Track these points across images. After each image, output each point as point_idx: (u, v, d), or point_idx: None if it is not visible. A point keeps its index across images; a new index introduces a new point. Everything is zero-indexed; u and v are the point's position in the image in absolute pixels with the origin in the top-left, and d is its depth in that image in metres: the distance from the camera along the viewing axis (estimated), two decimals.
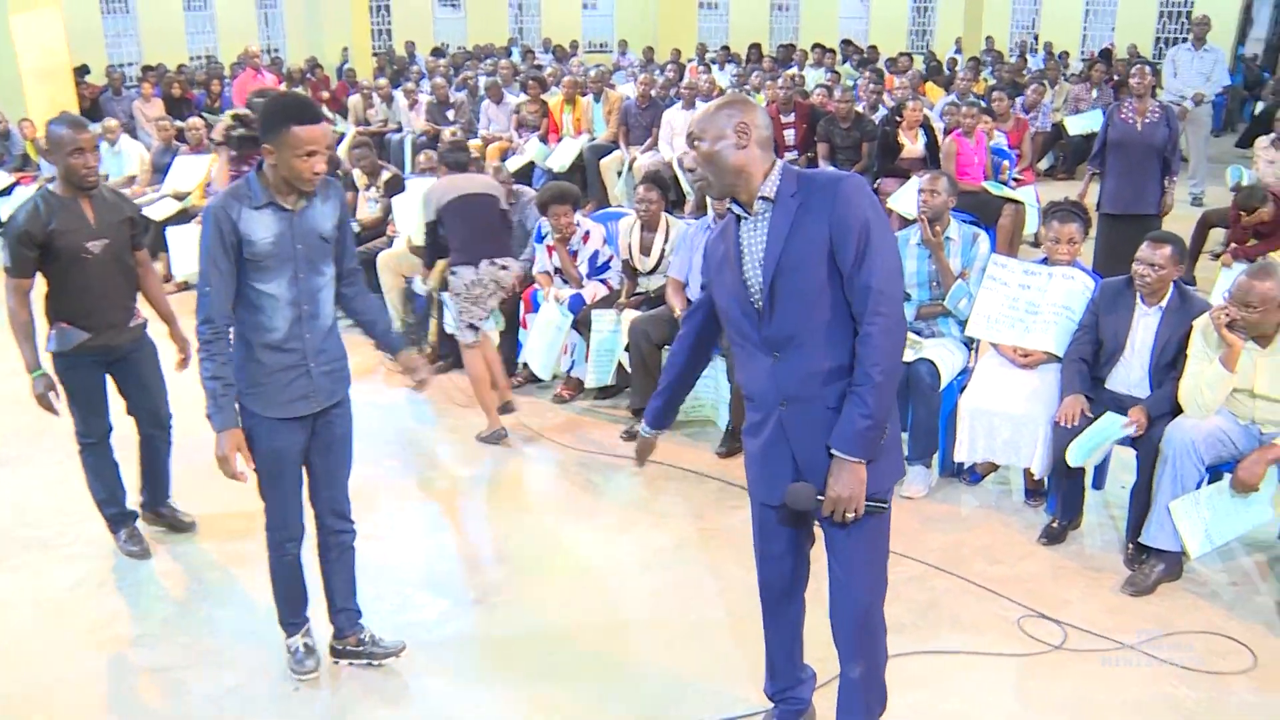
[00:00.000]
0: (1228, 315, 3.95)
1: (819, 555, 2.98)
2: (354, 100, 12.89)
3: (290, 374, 3.28)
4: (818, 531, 2.94)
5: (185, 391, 4.30)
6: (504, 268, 5.37)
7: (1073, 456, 4.22)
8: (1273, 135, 7.93)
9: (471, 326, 5.41)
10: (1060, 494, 4.51)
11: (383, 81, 13.07)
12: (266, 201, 3.18)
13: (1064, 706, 3.49)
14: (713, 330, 3.06)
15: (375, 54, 18.07)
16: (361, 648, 3.68)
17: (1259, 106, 14.18)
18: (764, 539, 3.02)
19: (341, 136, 11.74)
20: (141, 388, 4.39)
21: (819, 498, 2.74)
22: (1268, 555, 4.44)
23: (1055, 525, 4.50)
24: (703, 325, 3.07)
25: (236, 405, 3.24)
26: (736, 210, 2.74)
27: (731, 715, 3.41)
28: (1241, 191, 6.91)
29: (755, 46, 17.18)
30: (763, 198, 2.68)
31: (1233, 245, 7.03)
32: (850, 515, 2.70)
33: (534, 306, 6.11)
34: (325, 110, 13.74)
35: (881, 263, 2.60)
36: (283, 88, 12.52)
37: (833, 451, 2.68)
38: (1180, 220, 7.87)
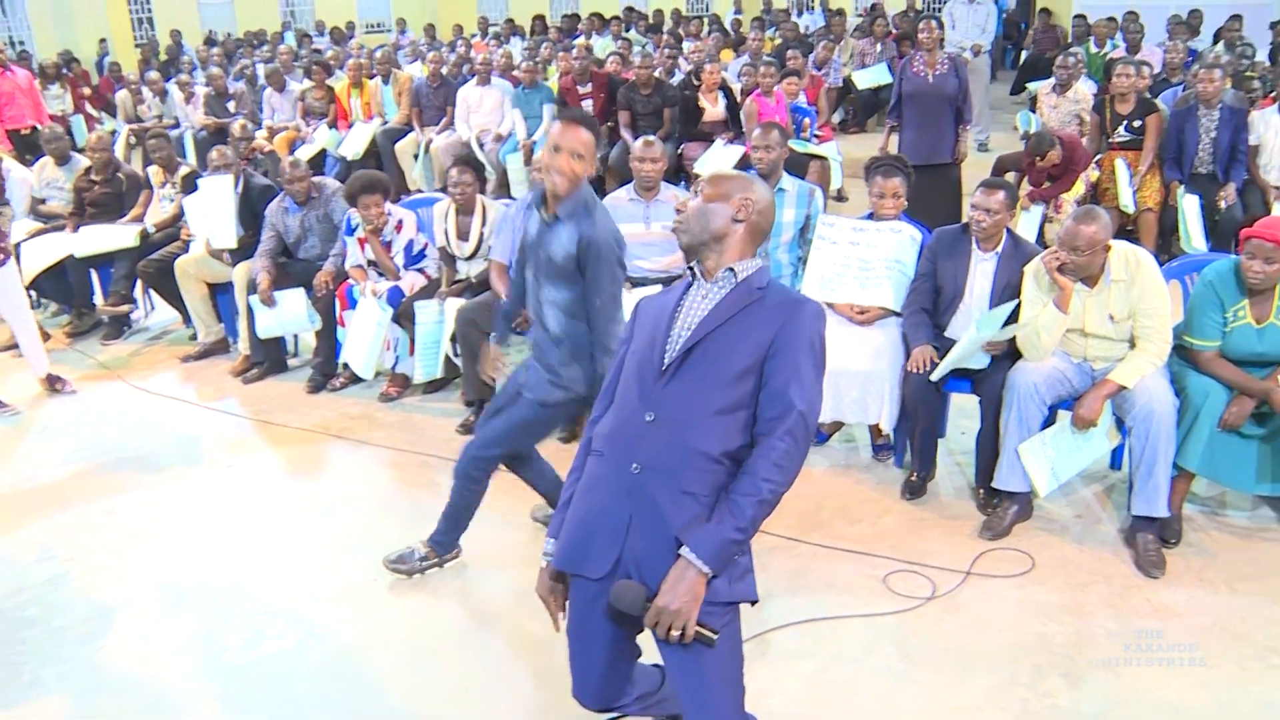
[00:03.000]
0: (1057, 259, 4.03)
1: None
2: (122, 96, 12.03)
3: None
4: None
5: None
6: None
7: (936, 374, 4.28)
8: (1051, 81, 8.24)
9: None
10: (915, 446, 4.54)
11: (154, 75, 12.24)
12: None
13: (944, 655, 3.51)
14: None
15: (138, 45, 16.94)
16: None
17: (1022, 55, 14.86)
18: (577, 617, 2.60)
19: (114, 135, 10.98)
20: None
21: (647, 603, 2.36)
22: (1104, 485, 4.61)
23: (915, 479, 4.54)
24: None
25: None
26: (695, 270, 2.58)
27: None
28: (1031, 138, 7.16)
29: (539, 18, 16.94)
30: (730, 269, 2.52)
31: (1029, 189, 7.27)
32: (675, 634, 2.33)
33: (350, 303, 5.78)
34: (88, 108, 12.87)
35: (815, 392, 2.41)
36: (36, 85, 11.57)
37: (682, 551, 2.34)
38: (973, 166, 8.14)
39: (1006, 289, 4.35)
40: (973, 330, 4.22)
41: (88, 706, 3.47)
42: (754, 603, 2.50)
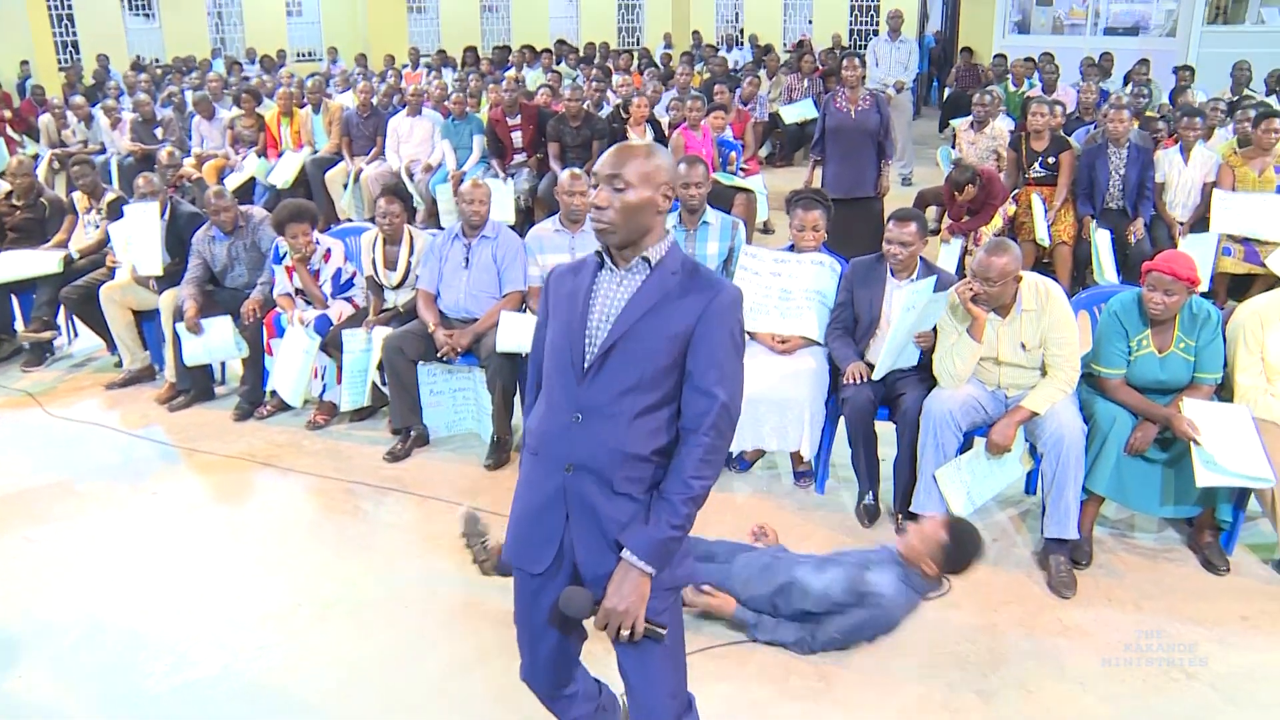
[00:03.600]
0: (971, 290, 4.17)
1: None
2: (45, 120, 11.83)
3: None
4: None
5: None
6: None
7: (878, 371, 4.44)
8: (969, 119, 8.49)
9: None
10: (862, 468, 4.64)
11: (79, 99, 12.05)
12: None
13: (862, 676, 3.60)
14: None
15: (63, 68, 16.67)
16: None
17: (946, 91, 15.25)
18: (524, 614, 2.69)
19: (36, 160, 10.81)
20: None
21: (595, 606, 2.45)
22: (1019, 510, 4.75)
23: (869, 503, 4.64)
24: None
25: None
26: (607, 256, 2.50)
27: None
28: (953, 170, 7.38)
29: (471, 49, 16.98)
30: (644, 259, 2.45)
31: (949, 222, 7.48)
32: (625, 633, 2.42)
33: (278, 331, 5.76)
34: (9, 131, 12.63)
35: (737, 381, 2.43)
36: None
37: (623, 554, 2.41)
38: (895, 200, 8.29)
39: None
40: (899, 319, 4.32)
41: None
42: (698, 585, 2.60)
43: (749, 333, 4.95)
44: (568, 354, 2.47)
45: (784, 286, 4.90)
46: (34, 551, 4.55)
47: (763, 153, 12.23)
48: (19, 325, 7.07)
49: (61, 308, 6.81)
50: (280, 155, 10.15)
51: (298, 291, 5.80)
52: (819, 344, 4.80)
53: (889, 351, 4.38)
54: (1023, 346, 4.23)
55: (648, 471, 2.45)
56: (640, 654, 2.52)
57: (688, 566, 2.59)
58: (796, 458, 4.91)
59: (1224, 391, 4.29)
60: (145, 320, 6.47)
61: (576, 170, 5.35)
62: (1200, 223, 7.24)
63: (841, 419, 4.65)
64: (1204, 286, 6.83)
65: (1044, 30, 16.74)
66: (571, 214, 5.25)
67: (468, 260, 5.33)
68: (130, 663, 3.76)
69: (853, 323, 4.68)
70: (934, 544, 3.60)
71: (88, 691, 3.62)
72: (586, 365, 2.45)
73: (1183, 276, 4.04)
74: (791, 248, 5.01)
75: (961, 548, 3.62)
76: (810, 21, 20.24)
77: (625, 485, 2.44)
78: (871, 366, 4.51)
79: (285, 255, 5.75)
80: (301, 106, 10.43)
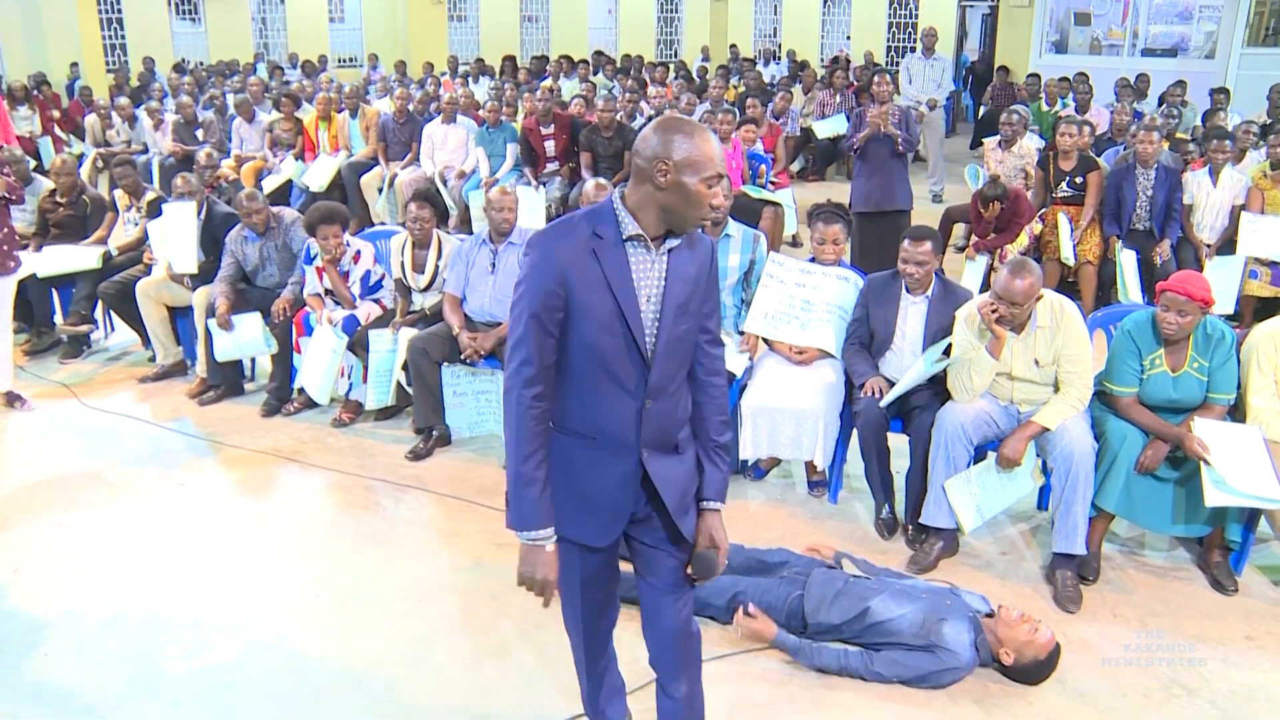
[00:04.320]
0: (995, 312, 4.20)
1: None
2: (91, 120, 12.09)
3: None
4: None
5: None
6: None
7: (885, 400, 4.49)
8: (998, 137, 8.53)
9: None
10: (875, 481, 4.68)
11: (124, 101, 12.30)
12: None
13: (861, 691, 3.63)
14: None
15: (111, 70, 16.98)
16: None
17: (982, 110, 15.23)
18: (591, 584, 2.83)
19: (81, 158, 11.05)
20: None
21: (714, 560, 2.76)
22: (1030, 525, 4.78)
23: (886, 516, 4.68)
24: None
25: None
26: (640, 241, 2.51)
27: None
28: (984, 186, 7.42)
29: (510, 59, 17.16)
30: (670, 234, 2.55)
31: (974, 239, 7.52)
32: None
33: (307, 330, 5.89)
34: (57, 130, 12.91)
35: (720, 321, 2.71)
36: (4, 105, 11.65)
37: (707, 505, 2.73)
38: (924, 217, 8.34)
39: (939, 332, 4.53)
40: (920, 364, 4.40)
41: (22, 714, 3.53)
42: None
43: (767, 341, 5.04)
44: (625, 342, 2.53)
45: (806, 298, 4.96)
46: (65, 537, 4.68)
47: (794, 167, 12.30)
48: (58, 319, 7.24)
49: (99, 303, 6.98)
50: (317, 159, 10.31)
51: (327, 292, 5.92)
52: (834, 357, 4.86)
53: (899, 390, 4.45)
54: (1036, 363, 4.27)
55: (689, 423, 2.73)
56: (678, 573, 2.79)
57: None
58: (811, 467, 4.97)
59: (1237, 412, 4.31)
60: (179, 316, 6.62)
61: (602, 181, 5.44)
62: (1227, 245, 7.25)
63: (855, 431, 4.70)
64: (1230, 309, 6.87)
65: (1081, 50, 16.68)
66: None
67: (494, 266, 5.42)
68: (151, 646, 3.87)
69: (869, 338, 4.74)
70: (1031, 649, 3.61)
71: (108, 673, 3.73)
72: (651, 353, 2.56)
73: (1197, 297, 4.07)
74: (813, 260, 5.07)
75: (1044, 669, 3.64)
76: (848, 38, 20.31)
77: (684, 445, 2.70)
78: (889, 381, 4.57)
79: (316, 256, 5.87)
80: (339, 111, 10.60)
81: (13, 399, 6.18)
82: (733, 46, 19.42)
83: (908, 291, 4.64)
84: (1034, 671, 3.63)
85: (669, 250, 2.54)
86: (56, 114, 13.53)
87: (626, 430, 2.60)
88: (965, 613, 3.71)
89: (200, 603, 4.17)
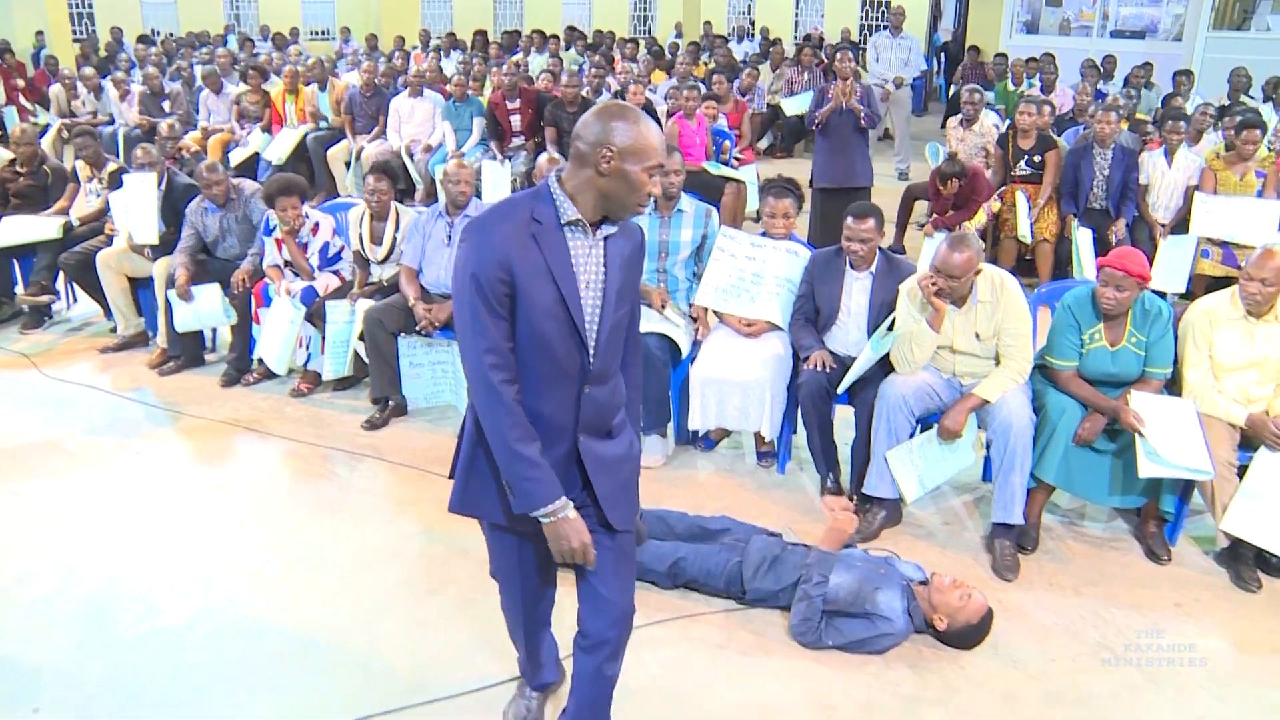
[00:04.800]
0: (934, 284, 4.28)
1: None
2: (56, 90, 12.01)
3: None
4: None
5: None
6: None
7: (842, 386, 4.56)
8: (960, 116, 8.61)
9: None
10: (817, 451, 4.77)
11: (89, 71, 12.23)
12: None
13: (798, 651, 3.73)
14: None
15: (78, 40, 16.84)
16: None
17: (953, 89, 15.30)
18: (532, 571, 2.88)
19: (45, 129, 10.99)
20: None
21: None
22: (974, 496, 4.87)
23: (831, 486, 4.78)
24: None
25: None
26: (580, 226, 2.49)
27: (490, 683, 3.51)
28: (942, 164, 7.50)
29: (481, 33, 17.10)
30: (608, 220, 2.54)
31: (934, 216, 7.60)
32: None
33: (265, 301, 5.93)
34: (22, 100, 12.82)
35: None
36: None
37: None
38: (886, 194, 8.47)
39: (883, 306, 4.60)
40: (867, 350, 4.47)
41: None
42: None
43: (717, 314, 5.10)
44: (567, 329, 2.50)
45: (756, 271, 5.02)
46: (20, 505, 4.72)
47: (763, 144, 12.35)
48: (19, 289, 7.24)
49: (60, 273, 6.97)
50: (281, 132, 10.29)
51: (286, 263, 5.94)
52: (783, 329, 4.93)
53: (852, 376, 4.53)
54: (977, 336, 4.35)
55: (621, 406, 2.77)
56: (621, 560, 2.79)
57: None
58: (759, 438, 5.05)
59: (1174, 387, 4.41)
60: (141, 288, 6.63)
61: (556, 155, 5.48)
62: (1181, 224, 7.35)
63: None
64: (1182, 288, 6.99)
65: (1052, 31, 16.79)
66: None
67: (450, 238, 5.46)
68: (103, 610, 3.92)
69: (814, 313, 4.80)
70: (964, 615, 3.71)
71: (59, 634, 3.78)
72: (595, 341, 2.56)
73: (1134, 273, 4.15)
74: (764, 234, 5.13)
75: (976, 634, 3.75)
76: (822, 16, 20.33)
77: (617, 430, 2.73)
78: (834, 355, 4.65)
79: (275, 228, 5.89)
80: (307, 85, 10.57)
81: None
82: (706, 23, 19.43)
83: (851, 268, 4.71)
84: (967, 636, 3.73)
85: (605, 237, 2.54)
86: (21, 83, 13.43)
87: (565, 416, 2.60)
88: (899, 581, 3.81)
89: (153, 568, 4.22)
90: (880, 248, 4.70)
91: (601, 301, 2.54)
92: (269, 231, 5.96)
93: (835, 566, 3.82)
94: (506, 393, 2.48)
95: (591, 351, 2.55)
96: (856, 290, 4.69)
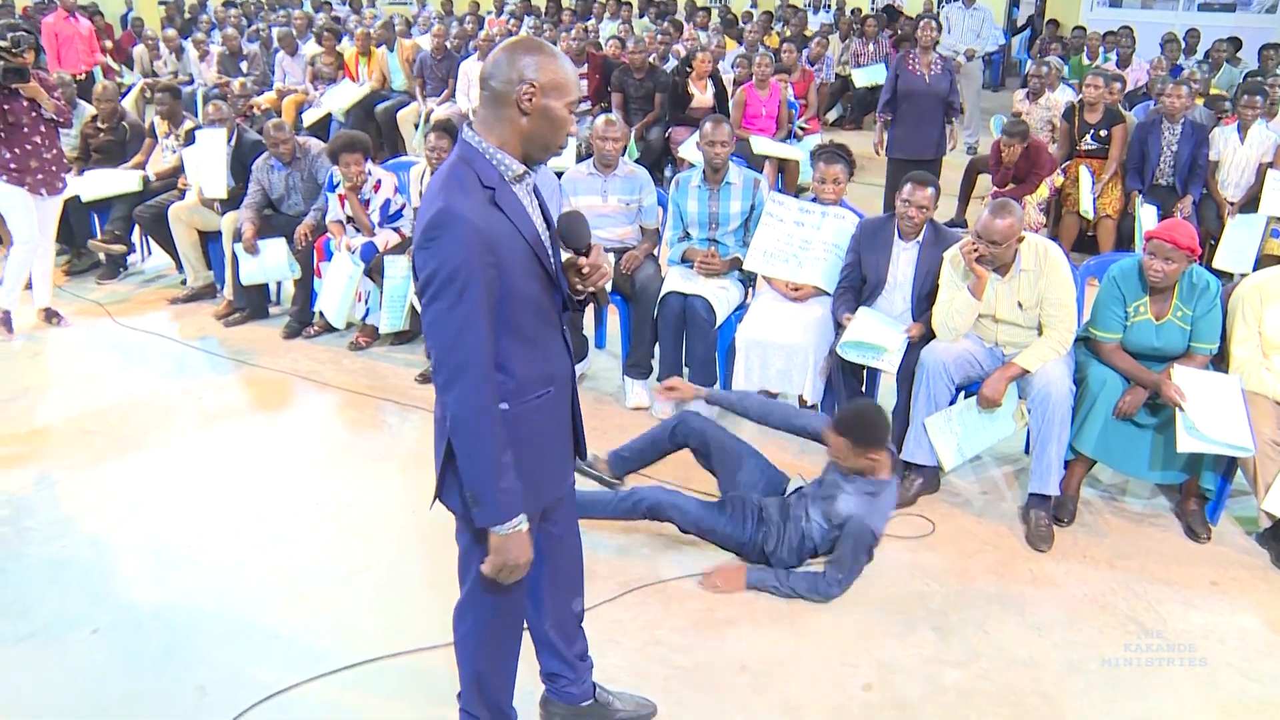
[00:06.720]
0: (975, 250, 4.29)
1: None
2: (139, 50, 12.35)
3: None
4: None
5: None
6: None
7: (841, 349, 4.58)
8: (1025, 90, 8.50)
9: None
10: None
11: (171, 33, 12.54)
12: None
13: (824, 611, 3.78)
14: None
15: (163, 3, 17.22)
16: None
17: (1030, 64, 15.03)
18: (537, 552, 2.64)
19: (128, 89, 11.28)
20: None
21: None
22: (1015, 467, 4.87)
23: None
24: None
25: None
26: (520, 171, 2.41)
27: None
28: (1006, 123, 7.43)
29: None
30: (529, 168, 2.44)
31: (993, 189, 7.54)
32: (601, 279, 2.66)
33: (327, 256, 6.09)
34: (109, 61, 13.17)
35: None
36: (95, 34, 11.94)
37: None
38: (953, 168, 8.39)
39: (929, 275, 4.61)
40: (892, 333, 4.54)
41: (37, 596, 3.80)
42: None
43: (765, 278, 5.14)
44: (544, 281, 2.46)
45: (805, 237, 5.05)
46: (89, 443, 4.97)
47: (831, 115, 12.26)
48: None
49: (135, 226, 7.21)
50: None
51: (348, 219, 6.09)
52: (829, 294, 4.95)
53: (851, 333, 4.56)
54: (1019, 305, 4.35)
55: None
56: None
57: None
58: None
59: (1221, 363, 4.36)
60: (211, 241, 6.84)
61: (611, 116, 5.52)
62: (1251, 203, 7.18)
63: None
64: (1249, 268, 6.84)
65: (1135, 4, 16.37)
66: (604, 158, 5.41)
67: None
68: (160, 542, 4.15)
69: (860, 282, 4.81)
70: (842, 447, 3.83)
71: (120, 565, 3.99)
72: (558, 276, 2.53)
73: (1183, 245, 4.10)
74: (815, 199, 5.16)
75: (861, 427, 3.82)
76: None
77: None
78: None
79: (339, 184, 6.04)
80: (378, 46, 10.73)
81: (50, 315, 6.46)
82: None
83: (900, 237, 4.71)
84: (864, 435, 3.82)
85: (532, 192, 2.49)
86: (110, 44, 13.78)
87: (566, 364, 2.62)
88: (832, 478, 3.95)
89: (208, 506, 4.42)
90: (930, 219, 4.69)
91: (550, 242, 2.51)
92: (333, 188, 6.10)
93: (796, 515, 3.96)
94: (495, 403, 2.36)
95: (561, 287, 2.55)
96: (904, 260, 4.70)
